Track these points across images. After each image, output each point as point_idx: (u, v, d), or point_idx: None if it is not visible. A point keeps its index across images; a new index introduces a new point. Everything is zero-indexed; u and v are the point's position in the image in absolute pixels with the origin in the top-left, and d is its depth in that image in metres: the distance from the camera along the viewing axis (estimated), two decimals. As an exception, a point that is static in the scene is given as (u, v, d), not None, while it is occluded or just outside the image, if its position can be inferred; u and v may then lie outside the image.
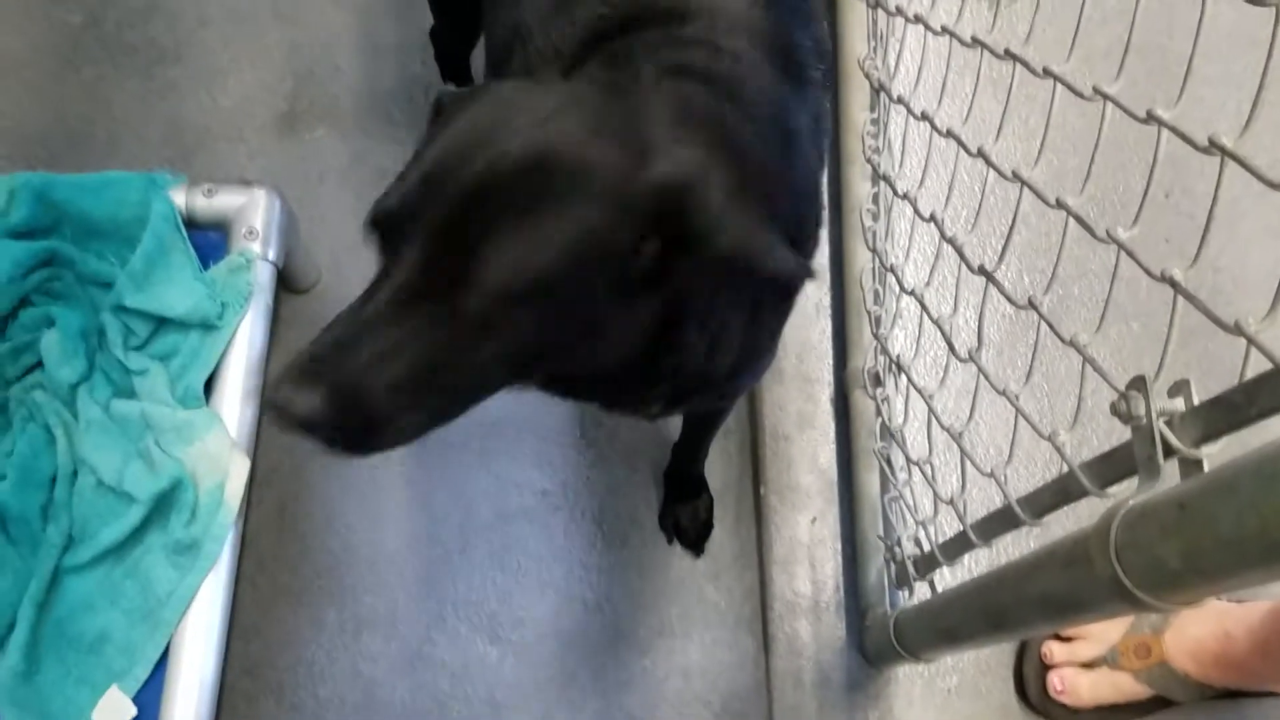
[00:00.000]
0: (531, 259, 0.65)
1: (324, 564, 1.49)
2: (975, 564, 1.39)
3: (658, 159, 0.68)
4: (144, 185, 1.34)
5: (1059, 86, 0.95)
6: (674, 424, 1.51)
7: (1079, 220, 0.90)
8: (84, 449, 1.24)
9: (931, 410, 1.23)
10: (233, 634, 1.23)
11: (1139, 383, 0.74)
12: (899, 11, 1.45)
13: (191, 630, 1.17)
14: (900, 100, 1.42)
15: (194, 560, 1.17)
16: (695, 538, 1.52)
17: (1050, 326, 0.93)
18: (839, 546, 1.47)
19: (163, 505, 1.20)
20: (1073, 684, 1.36)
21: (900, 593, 1.37)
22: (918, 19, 1.38)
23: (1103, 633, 1.37)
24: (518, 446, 1.56)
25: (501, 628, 1.48)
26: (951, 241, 1.16)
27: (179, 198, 1.35)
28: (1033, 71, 1.00)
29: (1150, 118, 0.79)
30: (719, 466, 1.57)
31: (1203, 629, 1.30)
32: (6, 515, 1.20)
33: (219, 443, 1.22)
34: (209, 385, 1.28)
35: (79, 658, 1.16)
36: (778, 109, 0.90)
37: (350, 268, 1.62)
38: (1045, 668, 1.39)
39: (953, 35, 1.24)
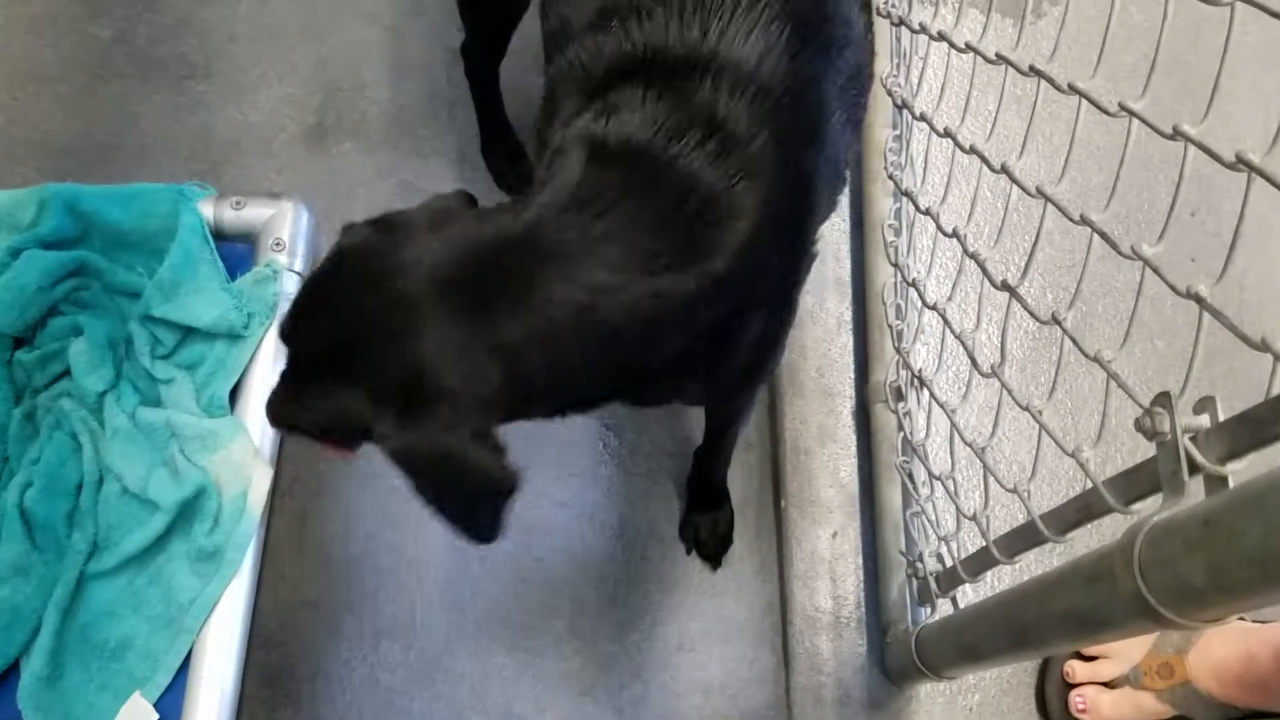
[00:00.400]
0: (311, 414, 0.87)
1: (344, 573, 1.49)
2: (998, 580, 1.39)
3: (425, 377, 0.80)
4: (172, 197, 1.36)
5: (1084, 103, 0.95)
6: (697, 431, 1.51)
7: (1103, 236, 0.90)
8: (110, 457, 1.25)
9: (954, 425, 1.22)
10: (253, 642, 1.23)
11: (1164, 399, 0.74)
12: (922, 29, 1.46)
13: (213, 638, 1.18)
14: (923, 117, 1.42)
15: (216, 568, 1.18)
16: (714, 550, 1.52)
17: (1074, 342, 0.93)
18: (860, 561, 1.47)
19: (186, 513, 1.21)
20: (1095, 703, 1.35)
21: (922, 609, 1.37)
22: (941, 36, 1.38)
23: (1126, 652, 1.36)
24: (538, 458, 1.56)
25: (521, 639, 1.48)
26: (974, 257, 1.16)
27: (207, 210, 1.37)
28: (1057, 88, 1.00)
29: (1176, 134, 0.79)
30: (739, 479, 1.57)
31: (1226, 649, 1.29)
32: (33, 522, 1.21)
33: (243, 451, 1.23)
34: (234, 394, 1.29)
35: (102, 664, 1.17)
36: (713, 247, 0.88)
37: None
38: (1067, 686, 1.38)
39: (976, 52, 1.24)
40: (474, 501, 0.88)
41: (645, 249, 0.85)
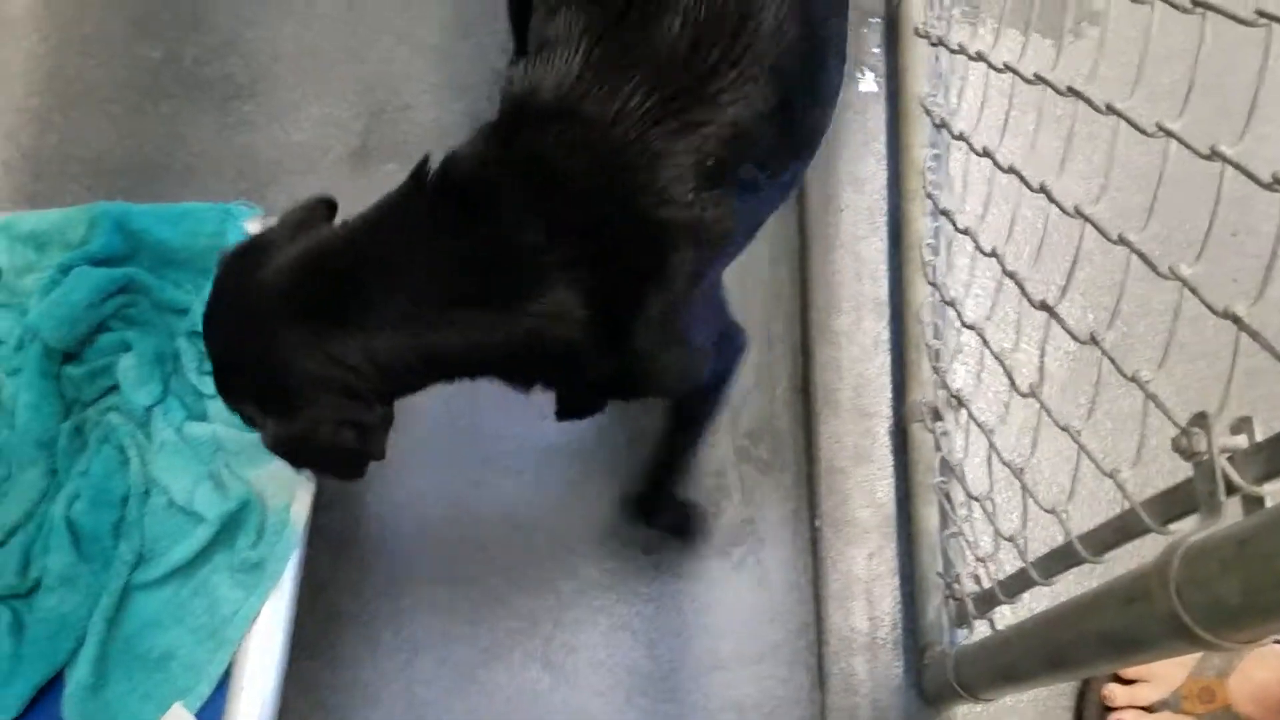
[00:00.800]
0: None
1: (381, 586, 1.51)
2: (1036, 602, 1.38)
3: (286, 384, 0.94)
4: (219, 216, 1.38)
5: (1122, 123, 0.95)
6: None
7: (1141, 257, 0.90)
8: (156, 470, 1.27)
9: (992, 446, 1.22)
10: (293, 654, 1.25)
11: (1201, 419, 0.74)
12: (961, 49, 1.46)
13: (254, 649, 1.19)
14: (961, 136, 1.42)
15: (259, 580, 1.20)
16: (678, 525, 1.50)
17: (1113, 363, 0.93)
18: (897, 582, 1.46)
19: (231, 525, 1.23)
20: (1134, 728, 1.34)
21: (960, 630, 1.36)
22: (979, 56, 1.39)
23: (1165, 675, 1.34)
24: (571, 473, 1.58)
25: (554, 654, 1.48)
26: (1013, 276, 1.16)
27: (253, 228, 1.39)
28: (1095, 108, 1.00)
29: (1214, 154, 0.79)
30: (773, 499, 1.57)
31: (1267, 673, 1.27)
32: (80, 533, 1.24)
33: (286, 466, 1.25)
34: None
35: (145, 674, 1.18)
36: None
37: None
38: (1106, 710, 1.36)
39: (1014, 72, 1.24)
40: (339, 468, 1.07)
41: (445, 280, 0.94)
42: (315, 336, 0.93)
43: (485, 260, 0.94)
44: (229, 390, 1.02)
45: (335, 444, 0.98)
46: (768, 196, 1.13)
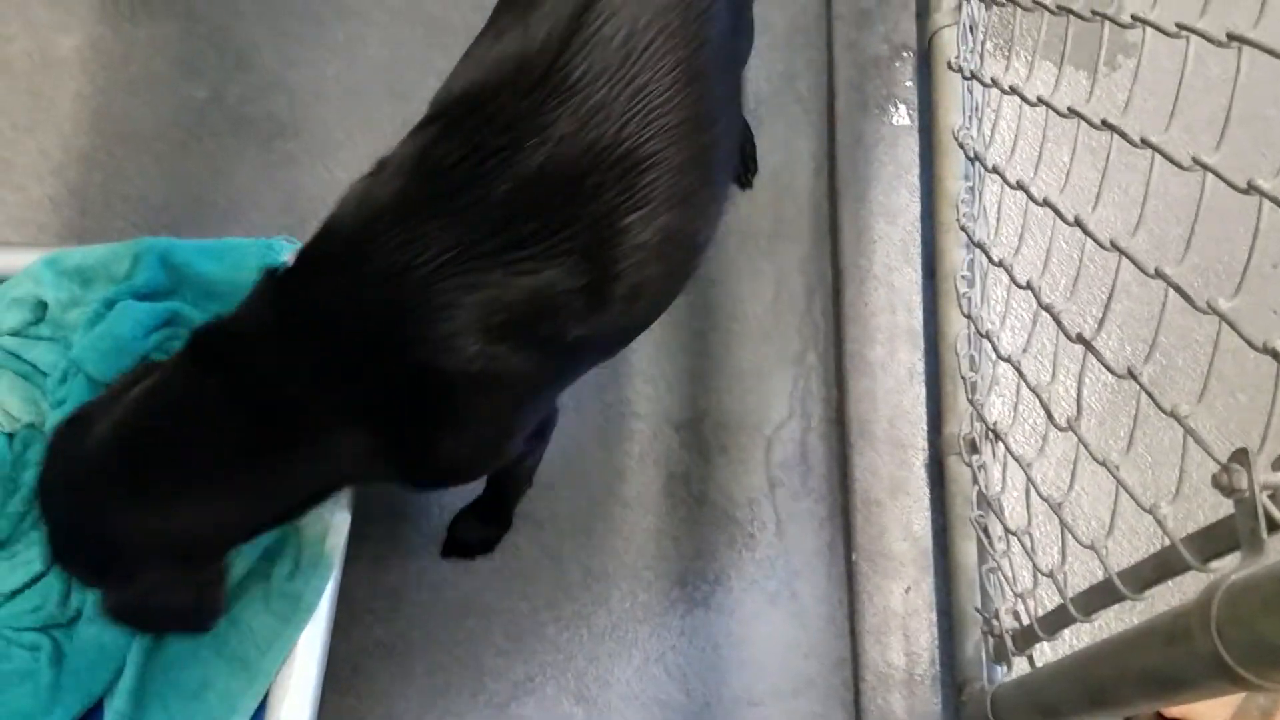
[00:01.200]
0: None
1: (415, 618, 1.51)
2: (1076, 638, 1.36)
3: (107, 555, 0.98)
4: (261, 251, 1.41)
5: (1158, 156, 0.95)
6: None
7: (1178, 290, 0.89)
8: (196, 501, 1.28)
9: (1030, 480, 1.21)
10: (326, 685, 1.25)
11: (1241, 455, 0.73)
12: (994, 83, 1.46)
13: (289, 680, 1.20)
14: (995, 169, 1.42)
15: (294, 611, 1.21)
16: (470, 548, 1.54)
17: (1150, 397, 0.92)
18: (934, 617, 1.45)
19: (267, 556, 1.24)
20: (1178, 768, 1.31)
21: (998, 667, 1.34)
22: (1013, 90, 1.39)
23: (1209, 715, 1.32)
24: (604, 503, 1.58)
25: (588, 688, 1.48)
26: (1048, 309, 1.15)
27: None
28: (1130, 142, 1.00)
29: (1251, 188, 0.78)
30: (808, 531, 1.56)
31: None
32: None
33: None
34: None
35: (182, 704, 1.19)
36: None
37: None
38: (1149, 750, 1.34)
39: (1048, 106, 1.24)
40: (182, 625, 1.08)
41: (238, 443, 0.98)
42: (138, 509, 0.97)
43: (269, 417, 0.98)
44: (66, 558, 1.03)
45: (173, 605, 1.02)
46: (590, 352, 1.15)
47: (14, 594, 1.25)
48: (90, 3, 1.89)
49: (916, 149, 1.71)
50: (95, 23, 1.88)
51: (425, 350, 0.96)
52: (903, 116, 1.74)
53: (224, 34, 1.88)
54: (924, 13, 1.77)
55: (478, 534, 1.54)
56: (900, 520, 1.51)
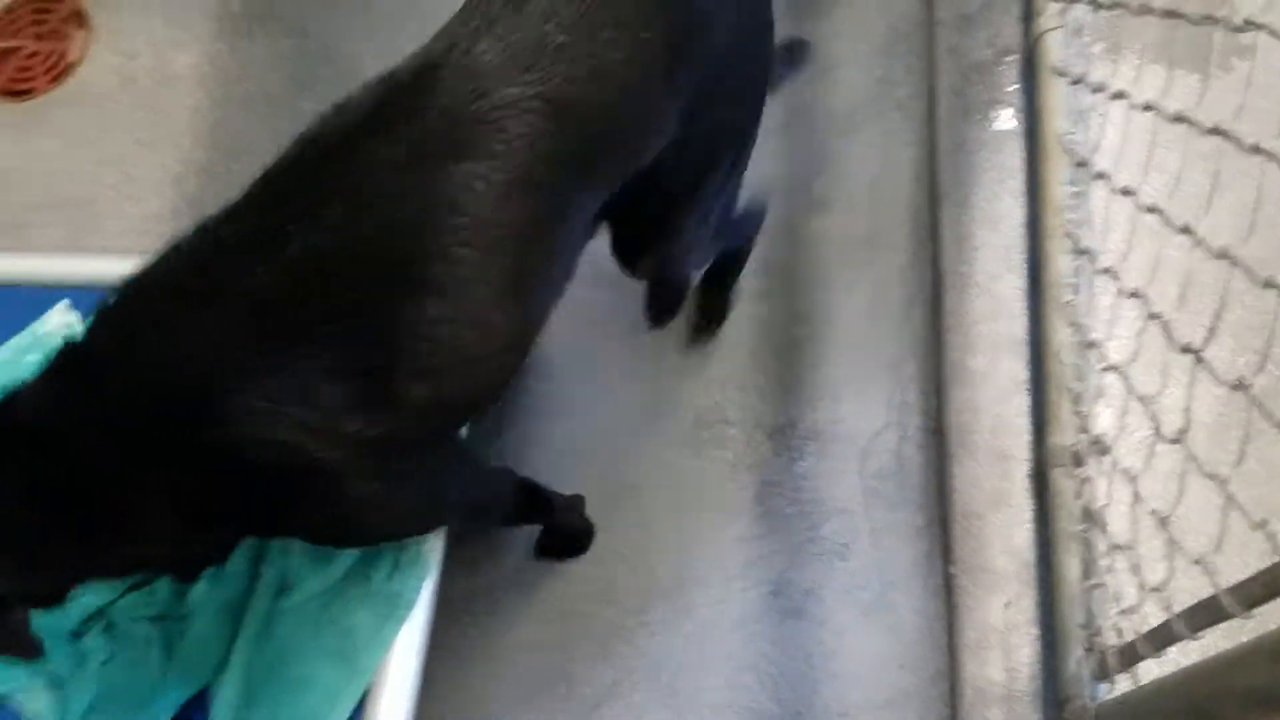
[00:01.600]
0: None
1: (507, 620, 1.54)
2: (1182, 656, 1.32)
3: None
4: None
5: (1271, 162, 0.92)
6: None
7: (1291, 299, 0.86)
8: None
9: (1137, 493, 1.18)
10: (423, 686, 1.27)
11: (1357, 469, 0.70)
12: (1101, 87, 1.43)
13: (387, 677, 1.23)
14: (1102, 175, 1.39)
15: (393, 610, 1.24)
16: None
17: (1261, 409, 0.89)
18: (1035, 633, 1.42)
19: (368, 557, 1.27)
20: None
21: (1100, 684, 1.31)
22: (1121, 94, 1.36)
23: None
24: (693, 508, 1.58)
25: (677, 694, 1.48)
26: (1157, 318, 1.12)
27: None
28: (1241, 148, 0.97)
29: (1369, 193, 0.75)
30: (904, 542, 1.54)
31: None
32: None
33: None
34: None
35: (287, 697, 1.23)
36: None
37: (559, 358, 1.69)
38: (1261, 774, 1.29)
39: (1157, 111, 1.21)
40: None
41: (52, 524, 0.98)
42: None
43: (76, 500, 0.97)
44: None
45: None
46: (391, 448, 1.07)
47: (132, 588, 1.30)
48: (208, 21, 1.98)
49: (1020, 154, 1.68)
50: (212, 40, 1.96)
51: (210, 427, 0.95)
52: (1006, 121, 1.71)
53: (332, 50, 1.95)
54: (1029, 16, 1.74)
55: (570, 537, 1.56)
56: (1001, 533, 1.48)
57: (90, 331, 1.00)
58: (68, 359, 0.99)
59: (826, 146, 1.87)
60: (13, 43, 2.02)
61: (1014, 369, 1.58)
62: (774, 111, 1.88)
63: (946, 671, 1.46)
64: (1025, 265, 1.62)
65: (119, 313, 0.99)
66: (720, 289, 1.71)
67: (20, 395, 0.99)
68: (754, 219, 1.61)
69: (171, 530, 1.01)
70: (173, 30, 1.98)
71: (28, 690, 1.24)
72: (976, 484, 1.52)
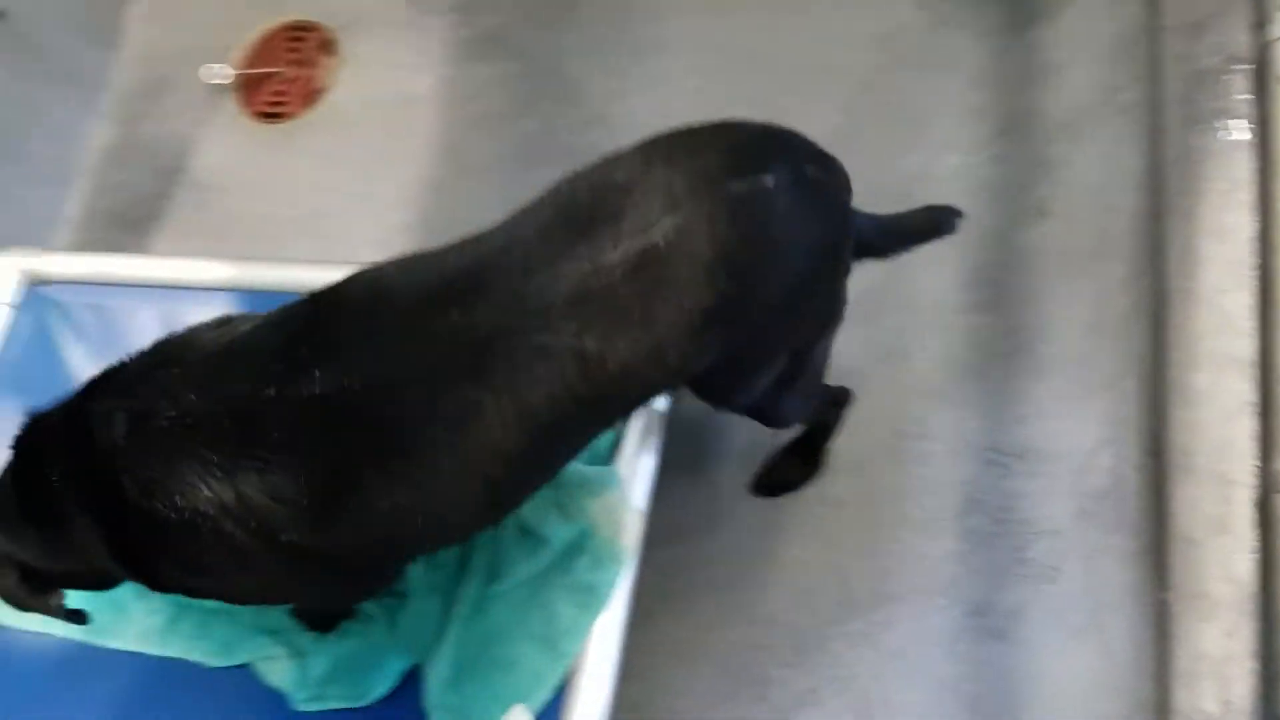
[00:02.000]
0: None
1: (705, 620, 1.57)
2: None
3: None
4: None
5: None
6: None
7: None
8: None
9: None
10: (619, 673, 1.33)
11: None
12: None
13: (588, 664, 1.29)
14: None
15: (591, 600, 1.30)
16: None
17: None
18: (1253, 665, 1.33)
19: (570, 549, 1.34)
20: None
21: (1327, 725, 1.22)
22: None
23: None
24: (892, 524, 1.58)
25: (873, 707, 1.48)
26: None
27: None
28: None
29: None
30: (1117, 566, 1.49)
31: None
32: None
33: (618, 499, 1.35)
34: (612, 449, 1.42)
35: (496, 676, 1.32)
36: None
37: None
38: None
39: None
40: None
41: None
42: None
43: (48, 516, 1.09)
44: None
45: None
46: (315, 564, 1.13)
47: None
48: (443, 47, 2.12)
49: (1250, 166, 1.58)
50: (445, 64, 2.11)
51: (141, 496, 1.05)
52: (1235, 131, 1.62)
53: (554, 72, 2.05)
54: (1260, 24, 1.64)
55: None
56: (1221, 560, 1.41)
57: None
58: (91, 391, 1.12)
59: (1046, 152, 1.82)
60: (269, 69, 2.22)
61: (1240, 389, 1.49)
62: (991, 116, 1.85)
63: (1156, 701, 1.39)
64: (1254, 280, 1.53)
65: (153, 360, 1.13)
66: (795, 458, 1.62)
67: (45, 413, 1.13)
68: (829, 402, 1.51)
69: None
70: (411, 55, 2.13)
71: (272, 659, 1.37)
72: (1196, 508, 1.45)
